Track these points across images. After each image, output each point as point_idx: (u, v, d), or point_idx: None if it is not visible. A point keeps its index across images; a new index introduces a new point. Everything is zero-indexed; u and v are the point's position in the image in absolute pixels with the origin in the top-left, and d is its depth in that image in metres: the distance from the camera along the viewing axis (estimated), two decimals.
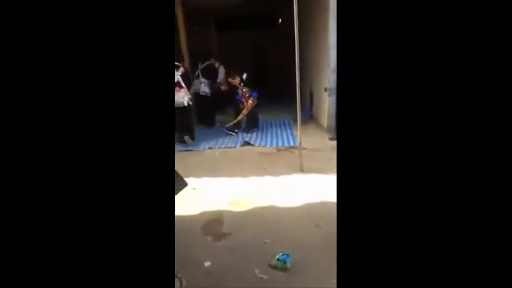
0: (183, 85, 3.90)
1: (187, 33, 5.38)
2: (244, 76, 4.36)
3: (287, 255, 1.81)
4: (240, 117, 4.38)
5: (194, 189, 2.86)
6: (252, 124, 4.49)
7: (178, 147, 3.99)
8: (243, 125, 4.52)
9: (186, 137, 4.06)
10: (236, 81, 4.37)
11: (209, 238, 2.12)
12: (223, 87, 4.98)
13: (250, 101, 4.31)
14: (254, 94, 4.33)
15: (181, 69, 3.96)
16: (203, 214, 2.43)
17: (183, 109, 3.92)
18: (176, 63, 3.96)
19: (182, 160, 3.59)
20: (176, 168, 3.47)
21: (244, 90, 4.35)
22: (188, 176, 3.14)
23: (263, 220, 2.27)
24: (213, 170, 3.24)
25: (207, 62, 4.85)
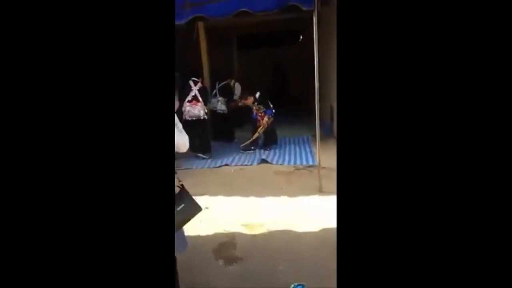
0: (200, 99, 4.05)
1: (208, 51, 5.47)
2: (257, 95, 4.32)
3: (303, 286, 1.67)
4: (255, 135, 4.32)
5: (207, 208, 2.79)
6: (270, 141, 4.41)
7: (194, 164, 3.97)
8: (260, 142, 4.44)
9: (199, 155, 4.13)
10: (249, 101, 4.35)
11: (220, 262, 2.03)
12: (240, 103, 4.97)
13: (265, 119, 4.24)
14: (269, 111, 4.27)
15: (199, 85, 4.12)
16: (215, 235, 2.34)
17: (200, 121, 4.05)
18: (194, 78, 4.05)
19: (197, 177, 3.55)
20: (190, 185, 3.41)
21: (258, 108, 4.29)
22: (202, 194, 3.09)
23: (277, 244, 2.15)
24: (228, 188, 3.16)
25: (225, 82, 4.88)
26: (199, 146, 4.15)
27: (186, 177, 3.51)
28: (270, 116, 4.26)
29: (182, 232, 1.53)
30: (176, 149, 1.42)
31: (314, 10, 2.40)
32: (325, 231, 2.27)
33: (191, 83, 4.09)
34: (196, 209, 1.52)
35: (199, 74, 4.41)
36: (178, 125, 1.46)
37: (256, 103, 4.31)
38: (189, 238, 2.31)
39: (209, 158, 4.11)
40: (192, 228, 2.43)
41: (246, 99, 4.38)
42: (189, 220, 1.50)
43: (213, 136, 4.97)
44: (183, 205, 1.41)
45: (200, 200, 3.03)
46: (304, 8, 2.48)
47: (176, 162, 4.06)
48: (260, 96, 4.32)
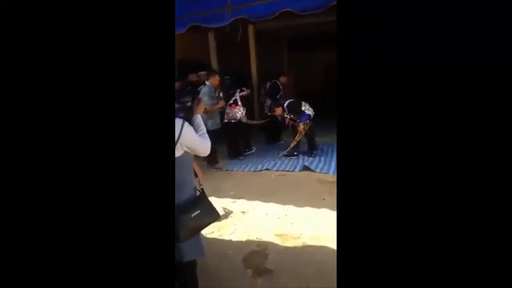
0: (239, 103, 4.15)
1: (257, 52, 5.46)
2: (286, 104, 4.15)
3: None
4: (293, 144, 4.18)
5: (243, 212, 2.73)
6: (311, 147, 4.20)
7: (235, 166, 3.96)
8: (303, 148, 4.27)
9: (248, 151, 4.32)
10: (278, 112, 4.18)
11: (249, 272, 1.94)
12: (271, 114, 4.87)
13: (301, 126, 4.05)
14: (305, 117, 4.06)
15: (244, 93, 4.23)
16: (248, 242, 2.27)
17: (238, 124, 4.15)
18: (243, 88, 4.25)
19: (237, 180, 3.53)
20: (230, 187, 3.36)
21: (289, 117, 4.12)
22: (240, 198, 3.05)
23: (311, 261, 1.99)
24: (267, 194, 3.07)
25: (270, 82, 4.81)
26: (243, 146, 4.30)
27: (226, 179, 3.55)
28: (307, 122, 4.05)
29: (199, 238, 1.47)
30: (197, 153, 1.38)
31: None
32: None
33: (237, 91, 4.19)
34: (213, 216, 1.44)
35: (247, 79, 4.41)
36: (202, 129, 1.41)
37: (285, 113, 4.14)
38: (221, 242, 2.29)
39: (253, 151, 4.32)
40: (226, 232, 2.40)
41: (274, 110, 4.24)
42: (205, 226, 1.44)
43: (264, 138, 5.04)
44: (198, 211, 1.35)
45: (237, 203, 2.99)
46: None
47: (218, 164, 4.01)
48: (289, 105, 4.13)
